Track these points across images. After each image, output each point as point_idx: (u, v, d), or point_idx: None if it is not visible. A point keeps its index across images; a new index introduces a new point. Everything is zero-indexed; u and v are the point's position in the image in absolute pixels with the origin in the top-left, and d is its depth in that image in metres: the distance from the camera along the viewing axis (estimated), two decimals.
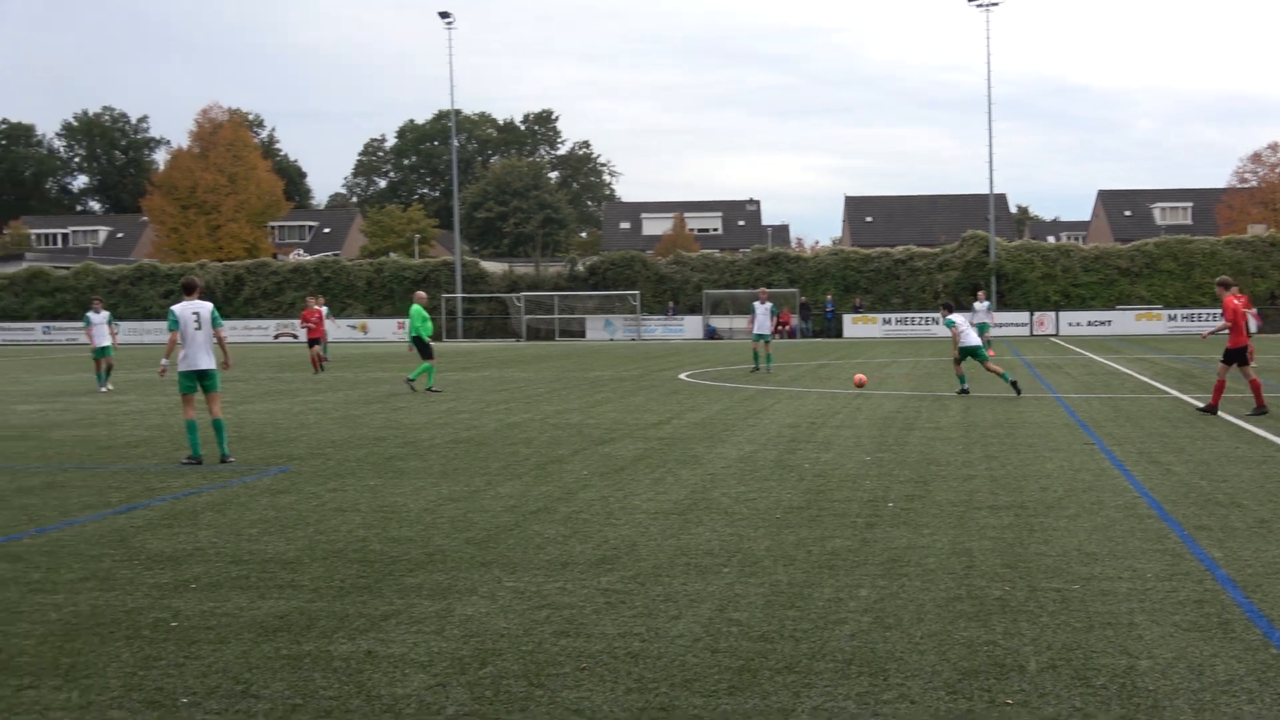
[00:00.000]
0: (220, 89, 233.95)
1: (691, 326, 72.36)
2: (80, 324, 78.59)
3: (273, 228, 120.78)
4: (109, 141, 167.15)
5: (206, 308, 16.60)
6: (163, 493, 14.02)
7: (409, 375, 29.48)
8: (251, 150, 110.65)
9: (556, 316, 73.93)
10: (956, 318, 26.56)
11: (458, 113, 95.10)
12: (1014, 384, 25.95)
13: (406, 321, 30.41)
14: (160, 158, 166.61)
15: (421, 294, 30.56)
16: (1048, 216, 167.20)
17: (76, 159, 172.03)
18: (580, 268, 77.80)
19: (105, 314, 32.96)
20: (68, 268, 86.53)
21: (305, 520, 12.10)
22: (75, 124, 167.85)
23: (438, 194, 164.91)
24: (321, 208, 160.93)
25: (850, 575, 9.53)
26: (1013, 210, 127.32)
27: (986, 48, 73.10)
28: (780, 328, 70.28)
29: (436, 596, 9.01)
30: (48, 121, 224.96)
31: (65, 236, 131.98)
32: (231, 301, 77.99)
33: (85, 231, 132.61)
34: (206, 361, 16.51)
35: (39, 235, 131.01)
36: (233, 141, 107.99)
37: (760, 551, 10.40)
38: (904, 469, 15.07)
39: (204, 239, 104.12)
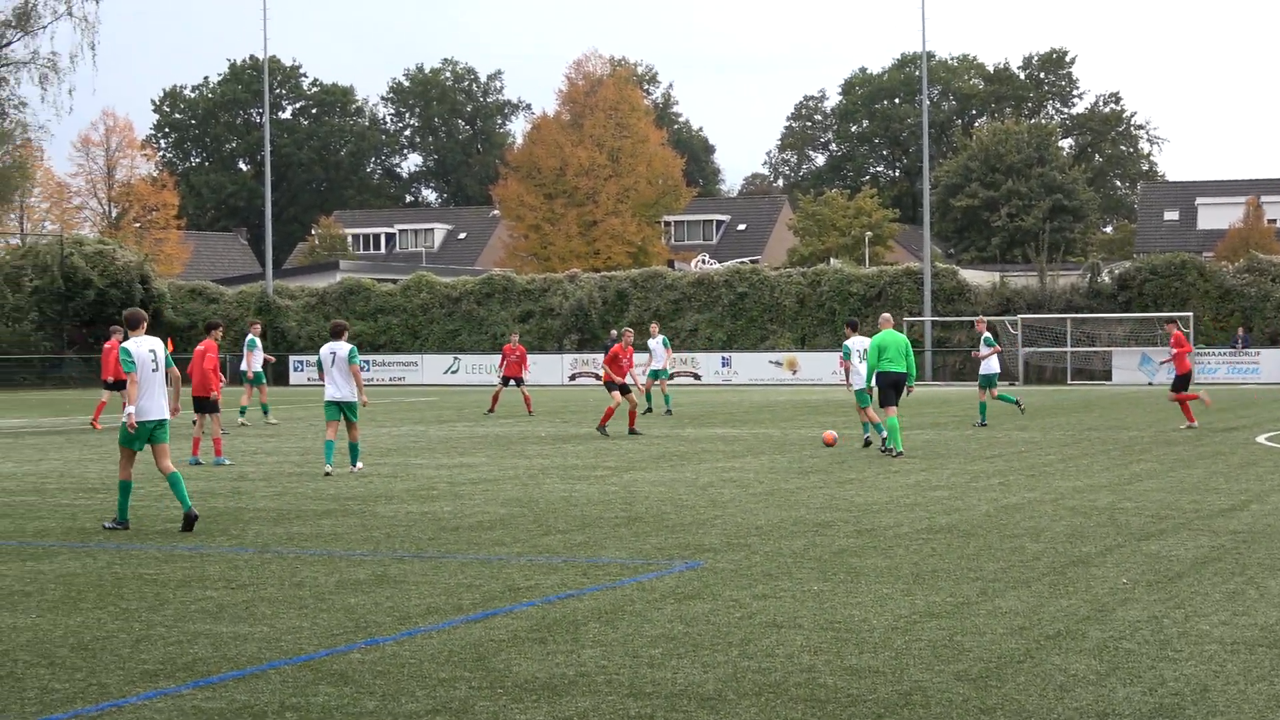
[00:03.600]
0: (600, 32, 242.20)
1: (1273, 364, 70.09)
2: (410, 357, 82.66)
3: (667, 224, 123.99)
4: (450, 108, 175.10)
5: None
6: (530, 594, 14.54)
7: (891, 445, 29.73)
8: (641, 117, 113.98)
9: (1069, 350, 73.02)
10: (854, 344, 31.65)
11: (930, 57, 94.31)
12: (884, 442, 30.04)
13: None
14: (518, 129, 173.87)
15: (887, 316, 30.76)
16: None
17: (406, 132, 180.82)
18: (1104, 278, 76.68)
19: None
20: (394, 280, 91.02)
21: (726, 638, 12.34)
22: (406, 84, 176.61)
23: (898, 173, 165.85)
24: (734, 195, 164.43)
25: None
26: None
27: None
28: None
29: None
30: (370, 81, 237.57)
31: (390, 238, 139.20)
32: (614, 325, 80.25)
33: (417, 231, 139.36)
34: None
35: (356, 237, 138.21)
36: (616, 105, 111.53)
37: None
38: None
39: (574, 240, 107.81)
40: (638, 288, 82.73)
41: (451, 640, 12.40)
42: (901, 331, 31.09)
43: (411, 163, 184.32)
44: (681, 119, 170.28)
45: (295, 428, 40.87)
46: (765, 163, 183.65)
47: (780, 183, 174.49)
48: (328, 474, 26.59)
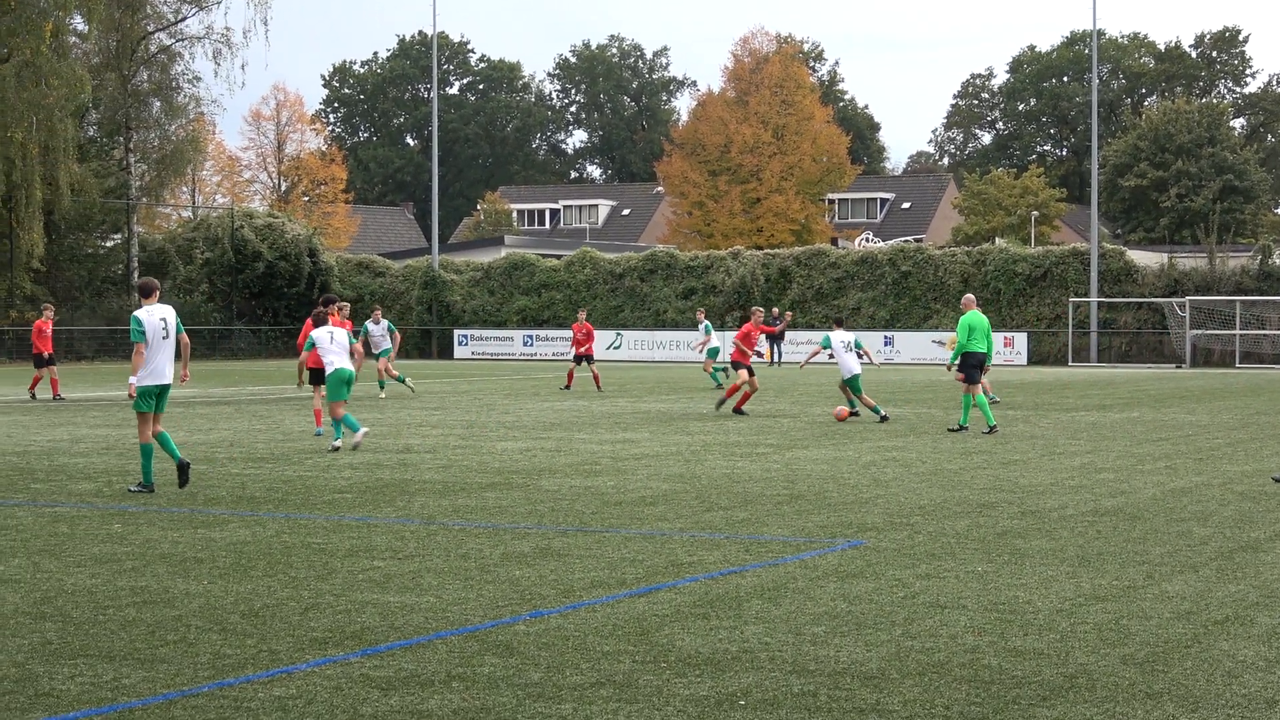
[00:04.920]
0: (766, 9, 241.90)
1: None
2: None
3: (831, 202, 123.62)
4: (615, 84, 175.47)
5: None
6: (693, 570, 14.59)
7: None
8: (807, 94, 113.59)
9: (1238, 333, 71.99)
10: (835, 337, 33.93)
11: (1100, 35, 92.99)
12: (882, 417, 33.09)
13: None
14: (683, 105, 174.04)
15: (970, 297, 31.69)
16: None
17: (572, 108, 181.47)
18: (1276, 260, 75.49)
19: (384, 324, 43.49)
20: (558, 256, 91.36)
21: (889, 618, 12.32)
22: (572, 60, 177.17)
23: (1066, 153, 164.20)
24: (899, 173, 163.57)
25: None
26: None
27: None
28: None
29: None
30: (537, 58, 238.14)
31: (555, 214, 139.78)
32: (777, 302, 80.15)
33: (581, 207, 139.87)
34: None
35: (522, 212, 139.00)
36: (782, 82, 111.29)
37: None
38: None
39: (738, 217, 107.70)
40: (801, 265, 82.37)
41: (615, 614, 12.48)
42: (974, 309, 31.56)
43: (577, 139, 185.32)
44: (847, 96, 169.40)
45: (460, 400, 41.15)
46: (931, 141, 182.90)
47: (946, 161, 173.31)
48: (339, 449, 26.49)
